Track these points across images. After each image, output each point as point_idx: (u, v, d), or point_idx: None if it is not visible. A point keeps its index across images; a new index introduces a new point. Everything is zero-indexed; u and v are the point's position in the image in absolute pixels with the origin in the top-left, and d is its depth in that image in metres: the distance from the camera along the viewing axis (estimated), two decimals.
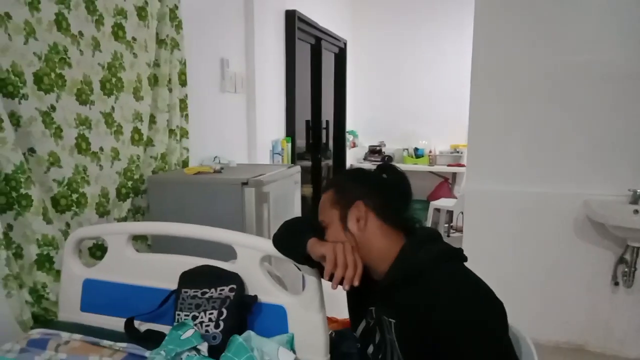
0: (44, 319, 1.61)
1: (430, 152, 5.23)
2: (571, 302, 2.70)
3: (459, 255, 1.05)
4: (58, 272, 1.59)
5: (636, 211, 2.44)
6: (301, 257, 1.13)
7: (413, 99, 5.27)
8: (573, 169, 2.61)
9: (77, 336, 1.31)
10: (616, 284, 2.61)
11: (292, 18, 3.47)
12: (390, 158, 5.30)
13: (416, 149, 5.26)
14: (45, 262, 1.59)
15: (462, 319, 0.91)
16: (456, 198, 4.87)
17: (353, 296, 1.20)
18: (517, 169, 2.70)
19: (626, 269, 2.54)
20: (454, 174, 5.28)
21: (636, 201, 2.48)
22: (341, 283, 1.01)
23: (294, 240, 1.17)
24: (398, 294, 1.02)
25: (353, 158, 5.42)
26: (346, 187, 1.12)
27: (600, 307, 2.67)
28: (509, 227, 2.75)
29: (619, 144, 2.52)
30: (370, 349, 1.12)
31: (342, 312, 1.21)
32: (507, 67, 2.64)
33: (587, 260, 2.64)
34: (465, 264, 1.04)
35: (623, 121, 2.50)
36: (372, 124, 5.51)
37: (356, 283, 1.00)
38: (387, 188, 1.10)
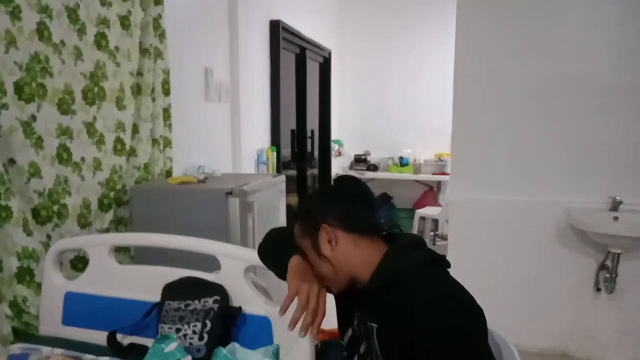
0: (25, 333, 1.57)
1: (414, 160, 5.27)
2: (554, 308, 2.73)
3: (441, 262, 1.05)
4: (39, 285, 1.56)
5: (616, 218, 2.49)
6: (284, 274, 1.12)
7: (398, 108, 5.31)
8: (555, 177, 2.64)
9: (59, 350, 1.29)
10: (598, 290, 2.64)
11: (276, 28, 3.48)
12: (375, 167, 5.32)
13: (401, 158, 5.29)
14: (25, 275, 1.56)
15: (444, 326, 0.91)
16: (441, 206, 4.91)
17: (341, 304, 1.20)
18: (500, 178, 2.73)
19: (607, 275, 2.58)
20: (439, 183, 5.32)
21: (616, 208, 2.52)
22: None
23: (276, 255, 1.17)
24: (381, 300, 1.02)
25: (338, 167, 5.43)
26: (308, 215, 1.11)
27: (582, 313, 2.70)
28: (493, 234, 2.78)
29: (599, 153, 2.57)
30: (356, 358, 1.12)
31: (328, 322, 1.21)
32: (489, 77, 2.67)
33: (570, 267, 2.67)
34: (451, 271, 1.05)
35: (603, 131, 2.54)
36: (357, 133, 5.54)
37: (313, 332, 1.00)
38: (346, 199, 1.09)
